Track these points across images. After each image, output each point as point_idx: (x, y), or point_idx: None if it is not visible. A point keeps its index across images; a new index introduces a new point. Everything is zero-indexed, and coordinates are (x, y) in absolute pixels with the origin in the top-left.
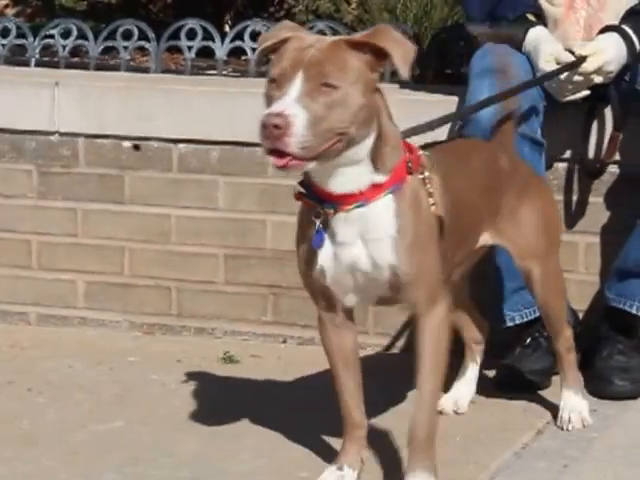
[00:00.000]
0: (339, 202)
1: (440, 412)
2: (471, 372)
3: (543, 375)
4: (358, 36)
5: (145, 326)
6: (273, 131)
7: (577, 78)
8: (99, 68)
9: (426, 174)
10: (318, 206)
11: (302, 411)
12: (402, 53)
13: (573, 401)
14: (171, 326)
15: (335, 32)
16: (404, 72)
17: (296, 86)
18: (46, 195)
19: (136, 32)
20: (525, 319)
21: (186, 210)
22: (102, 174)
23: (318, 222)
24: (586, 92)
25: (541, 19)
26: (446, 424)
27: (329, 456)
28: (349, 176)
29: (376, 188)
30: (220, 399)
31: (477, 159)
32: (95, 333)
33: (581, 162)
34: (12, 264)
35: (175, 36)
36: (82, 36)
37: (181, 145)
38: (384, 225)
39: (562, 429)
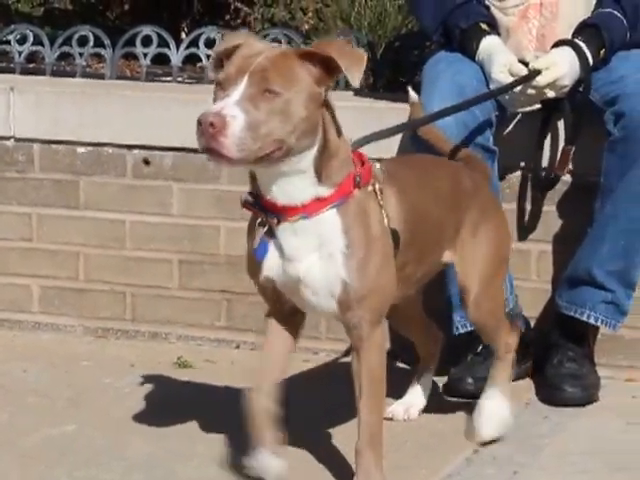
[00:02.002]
0: (282, 213)
1: (390, 418)
2: (424, 381)
3: None
4: (307, 47)
5: (99, 330)
6: (208, 129)
7: (530, 91)
8: (55, 74)
9: (377, 186)
10: (263, 215)
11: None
12: (350, 62)
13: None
14: (125, 331)
15: (290, 40)
16: (354, 81)
17: (239, 90)
18: (1, 200)
19: (92, 38)
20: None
21: (140, 215)
22: (57, 179)
23: (262, 231)
24: (538, 105)
25: (494, 29)
26: (397, 429)
27: None
28: (292, 187)
29: (319, 202)
30: (173, 403)
31: (442, 176)
32: (49, 337)
33: (534, 174)
34: None
35: (131, 43)
36: (38, 42)
37: (135, 151)
38: (333, 240)
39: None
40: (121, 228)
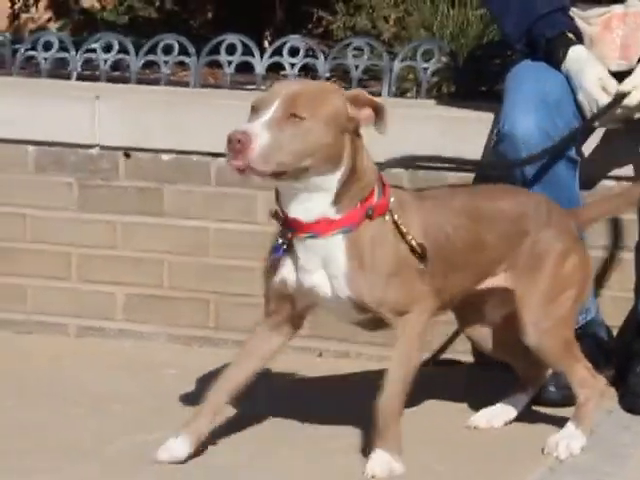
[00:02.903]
0: (293, 228)
1: (474, 427)
2: (517, 402)
3: None
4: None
5: (183, 338)
6: (235, 145)
7: (618, 111)
8: (139, 82)
9: (395, 217)
10: (282, 227)
11: (346, 423)
12: (387, 113)
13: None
14: (209, 338)
15: (373, 48)
16: (384, 130)
17: (269, 113)
18: (86, 208)
19: (176, 47)
20: None
21: (224, 223)
22: (141, 187)
23: (280, 240)
24: (620, 125)
25: (580, 39)
26: (480, 438)
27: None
28: (306, 203)
29: (328, 223)
30: (257, 412)
31: (500, 205)
32: (133, 345)
33: None
34: (52, 276)
35: (215, 51)
36: (123, 50)
37: (220, 159)
38: (337, 262)
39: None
40: (205, 236)
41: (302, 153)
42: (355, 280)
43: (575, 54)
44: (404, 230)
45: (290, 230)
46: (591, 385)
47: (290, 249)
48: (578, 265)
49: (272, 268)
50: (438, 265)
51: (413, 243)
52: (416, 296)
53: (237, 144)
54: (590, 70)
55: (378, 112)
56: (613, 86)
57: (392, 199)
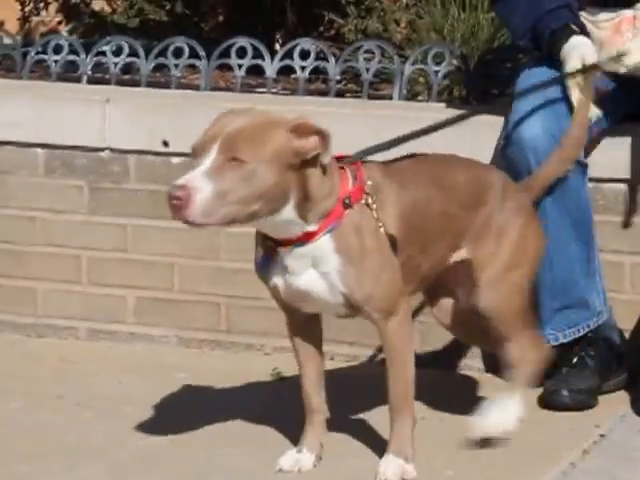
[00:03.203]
0: (281, 243)
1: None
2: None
3: (589, 394)
4: (305, 122)
5: (194, 342)
6: (173, 202)
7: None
8: (150, 85)
9: (370, 200)
10: (268, 240)
11: (357, 427)
12: (330, 141)
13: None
14: (220, 342)
15: (384, 51)
16: (327, 159)
17: (209, 159)
18: (96, 211)
19: (187, 50)
20: (569, 338)
21: (235, 226)
22: (152, 190)
23: (264, 254)
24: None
25: (584, 33)
26: (492, 443)
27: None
28: (280, 229)
29: (310, 234)
30: (268, 415)
31: (458, 175)
32: (144, 348)
33: None
34: (62, 279)
35: (225, 54)
36: (134, 53)
37: None
38: (328, 260)
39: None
40: (216, 239)
41: (248, 199)
42: (346, 275)
43: (575, 40)
44: (376, 217)
45: (276, 244)
46: (532, 352)
47: (275, 257)
48: (534, 239)
49: (263, 276)
50: (416, 239)
51: (382, 231)
52: (401, 295)
53: (176, 201)
54: (579, 49)
55: (323, 139)
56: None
57: (368, 182)
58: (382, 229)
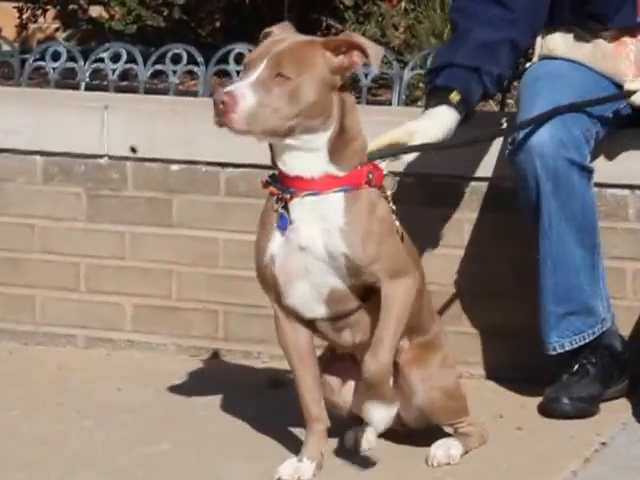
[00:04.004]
0: (295, 187)
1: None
2: None
3: (591, 402)
4: (336, 37)
5: (192, 349)
6: (219, 106)
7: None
8: (148, 92)
9: (389, 193)
10: (279, 192)
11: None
12: (375, 51)
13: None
14: (218, 349)
15: (383, 57)
16: (376, 67)
17: (256, 73)
18: (95, 218)
19: (185, 56)
20: (575, 346)
21: (234, 234)
22: (150, 197)
23: (280, 207)
24: None
25: (466, 106)
26: (492, 450)
27: None
28: (304, 162)
29: (331, 179)
30: (266, 423)
31: None
32: (142, 356)
33: None
34: (60, 287)
35: (224, 60)
36: (132, 60)
37: (229, 169)
38: (335, 217)
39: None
40: (214, 246)
41: (289, 113)
42: (351, 235)
43: (436, 111)
44: (394, 208)
45: (289, 191)
46: None
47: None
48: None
49: (264, 246)
50: None
51: (397, 224)
52: (408, 263)
53: (221, 106)
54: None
55: (363, 51)
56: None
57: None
58: (397, 222)
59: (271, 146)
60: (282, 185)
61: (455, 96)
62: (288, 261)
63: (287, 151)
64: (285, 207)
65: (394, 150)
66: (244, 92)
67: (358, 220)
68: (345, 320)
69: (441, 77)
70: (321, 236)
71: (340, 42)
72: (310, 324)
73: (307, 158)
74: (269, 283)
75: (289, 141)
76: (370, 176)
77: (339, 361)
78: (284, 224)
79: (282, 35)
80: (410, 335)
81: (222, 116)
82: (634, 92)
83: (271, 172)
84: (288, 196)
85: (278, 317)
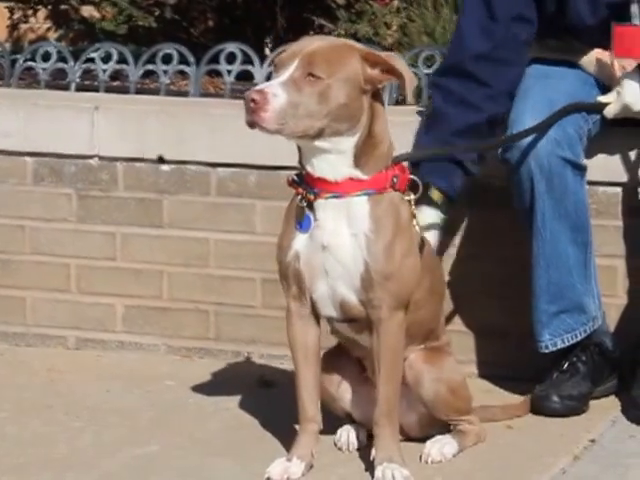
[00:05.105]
0: (319, 188)
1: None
2: None
3: (580, 400)
4: (376, 52)
5: (183, 350)
6: (250, 104)
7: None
8: (139, 92)
9: (412, 197)
10: (305, 192)
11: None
12: (411, 78)
13: None
14: (209, 350)
15: None
16: (410, 95)
17: (288, 72)
18: (85, 219)
19: (176, 56)
20: (567, 344)
21: (224, 234)
22: (141, 198)
23: (305, 206)
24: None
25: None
26: (481, 448)
27: None
28: (330, 163)
29: (354, 183)
30: (257, 423)
31: None
32: (133, 357)
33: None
34: (51, 288)
35: (215, 60)
36: (122, 60)
37: (220, 169)
38: (360, 221)
39: None
40: (205, 246)
41: (318, 114)
42: (375, 243)
43: (422, 215)
44: (415, 212)
45: (313, 192)
46: None
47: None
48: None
49: (289, 243)
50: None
51: (418, 229)
52: (409, 294)
53: (252, 103)
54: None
55: (401, 79)
56: None
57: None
58: (417, 227)
59: (299, 146)
60: (307, 185)
61: (436, 194)
62: (311, 258)
63: (314, 153)
64: (310, 206)
65: (420, 154)
66: (275, 90)
67: (383, 229)
68: (360, 324)
69: (422, 170)
70: (347, 239)
71: (381, 61)
72: (330, 324)
73: (333, 161)
74: (291, 279)
75: (318, 143)
76: (395, 180)
77: (341, 358)
78: (308, 223)
79: (315, 37)
80: (424, 339)
81: (253, 114)
82: (606, 104)
83: (296, 172)
84: (312, 197)
85: (291, 313)
